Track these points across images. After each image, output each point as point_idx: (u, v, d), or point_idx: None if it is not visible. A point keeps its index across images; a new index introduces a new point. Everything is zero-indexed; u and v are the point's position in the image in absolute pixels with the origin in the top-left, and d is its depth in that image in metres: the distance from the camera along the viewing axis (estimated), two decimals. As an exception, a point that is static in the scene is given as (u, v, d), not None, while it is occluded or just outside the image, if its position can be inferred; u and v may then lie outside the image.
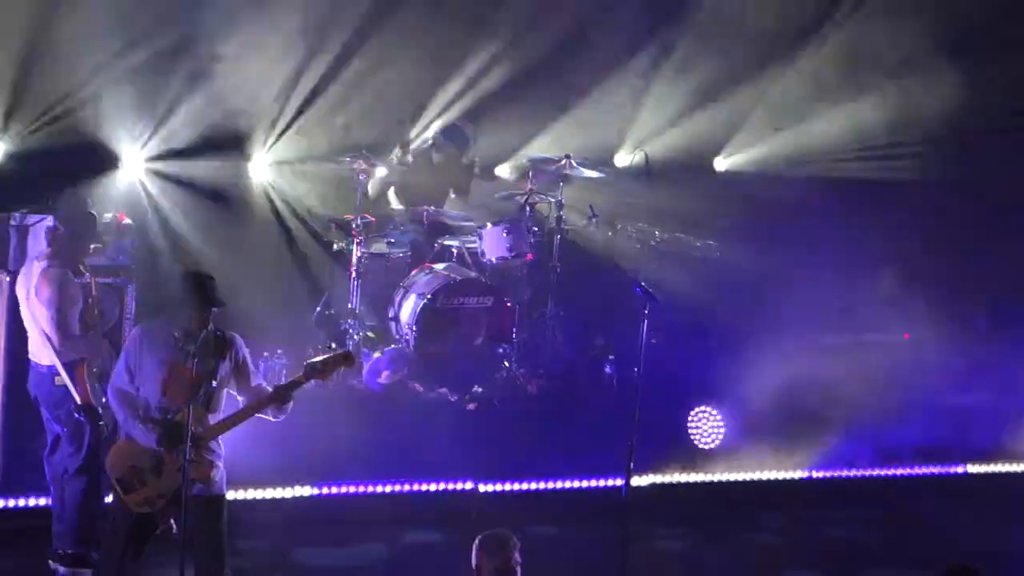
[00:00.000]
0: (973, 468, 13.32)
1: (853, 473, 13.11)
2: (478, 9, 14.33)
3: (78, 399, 10.18)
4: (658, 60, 14.89)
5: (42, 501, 11.41)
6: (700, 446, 12.89)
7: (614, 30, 14.87)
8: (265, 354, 11.73)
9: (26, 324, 10.58)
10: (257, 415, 9.37)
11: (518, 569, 8.27)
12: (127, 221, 12.11)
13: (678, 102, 15.07)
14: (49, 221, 11.45)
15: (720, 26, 14.91)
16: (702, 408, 13.02)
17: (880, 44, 15.33)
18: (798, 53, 15.10)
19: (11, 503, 11.43)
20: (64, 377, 10.25)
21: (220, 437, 9.41)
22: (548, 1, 14.65)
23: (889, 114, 15.39)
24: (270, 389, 9.36)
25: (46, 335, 10.30)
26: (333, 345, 11.94)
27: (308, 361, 9.57)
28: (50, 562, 10.49)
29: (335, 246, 13.64)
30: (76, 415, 10.33)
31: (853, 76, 15.37)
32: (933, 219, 14.61)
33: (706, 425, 12.95)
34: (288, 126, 14.23)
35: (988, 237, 14.28)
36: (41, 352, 10.39)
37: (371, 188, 13.71)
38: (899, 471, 13.25)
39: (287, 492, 11.59)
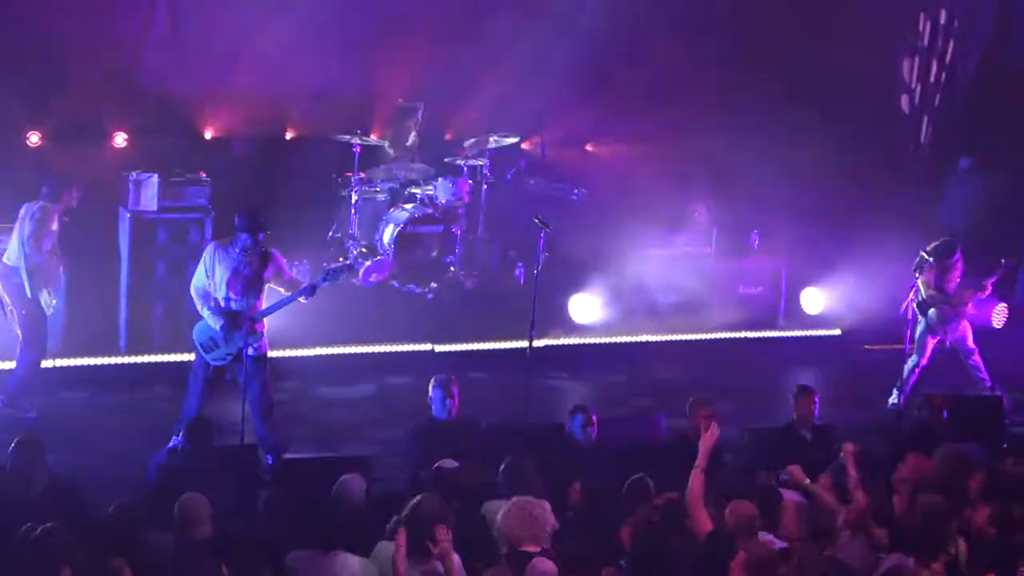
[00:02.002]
0: (750, 334, 13.50)
1: (674, 337, 13.20)
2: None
3: (29, 294, 10.13)
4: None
5: (153, 358, 11.61)
6: (577, 320, 13.03)
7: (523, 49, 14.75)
8: (295, 263, 11.70)
9: (13, 235, 10.39)
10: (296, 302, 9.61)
11: (456, 394, 8.62)
12: (205, 177, 12.22)
13: (563, 96, 14.94)
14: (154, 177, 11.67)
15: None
16: (578, 295, 13.11)
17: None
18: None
19: (135, 359, 11.60)
20: (24, 277, 10.17)
21: (266, 316, 9.66)
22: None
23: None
24: (304, 283, 9.61)
25: (23, 245, 10.22)
26: (341, 259, 11.96)
27: (326, 267, 9.86)
28: None
29: (341, 192, 13.63)
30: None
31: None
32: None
33: (580, 306, 13.06)
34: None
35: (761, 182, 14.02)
36: (12, 256, 10.27)
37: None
38: (706, 336, 13.35)
39: (309, 351, 11.79)
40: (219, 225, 11.58)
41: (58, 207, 10.44)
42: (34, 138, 12.97)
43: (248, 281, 9.51)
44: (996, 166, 14.43)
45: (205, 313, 9.63)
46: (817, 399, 9.31)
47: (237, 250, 9.50)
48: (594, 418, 8.69)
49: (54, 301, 10.33)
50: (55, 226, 10.39)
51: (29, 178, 12.26)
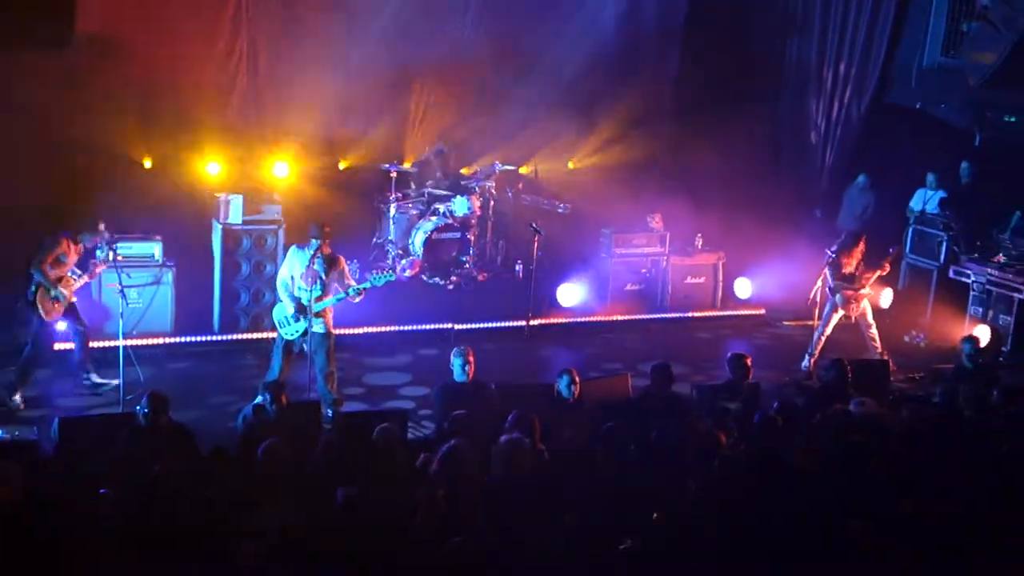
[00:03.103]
0: (696, 314, 13.33)
1: (638, 316, 13.07)
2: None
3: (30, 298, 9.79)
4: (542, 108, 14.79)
5: (239, 335, 11.49)
6: (563, 304, 12.90)
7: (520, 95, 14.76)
8: (349, 262, 11.62)
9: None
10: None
11: (472, 362, 8.60)
12: (278, 197, 12.22)
13: (551, 131, 14.98)
14: (239, 197, 11.60)
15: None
16: (564, 285, 12.95)
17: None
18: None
19: (226, 336, 11.52)
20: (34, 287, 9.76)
21: (325, 307, 9.63)
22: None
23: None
24: (354, 284, 9.61)
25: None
26: (388, 270, 11.87)
27: (374, 274, 9.85)
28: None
29: (382, 208, 13.62)
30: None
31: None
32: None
33: (565, 294, 12.94)
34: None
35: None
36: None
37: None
38: (662, 315, 13.19)
39: (360, 330, 11.66)
40: (289, 234, 11.51)
41: (75, 246, 10.01)
42: (147, 163, 13.03)
43: (315, 276, 9.52)
44: (881, 182, 14.43)
45: (284, 298, 9.69)
46: (750, 362, 9.29)
47: (310, 252, 9.55)
48: (577, 379, 8.68)
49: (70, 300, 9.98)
50: (67, 256, 9.94)
51: (142, 193, 12.43)
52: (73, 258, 10.08)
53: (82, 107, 12.08)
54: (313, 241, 9.54)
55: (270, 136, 13.62)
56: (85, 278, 10.17)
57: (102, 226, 10.26)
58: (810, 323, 11.81)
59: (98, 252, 10.32)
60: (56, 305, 9.90)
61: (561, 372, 8.75)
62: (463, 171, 14.60)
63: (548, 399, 8.66)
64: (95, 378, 10.23)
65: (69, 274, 10.01)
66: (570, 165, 15.42)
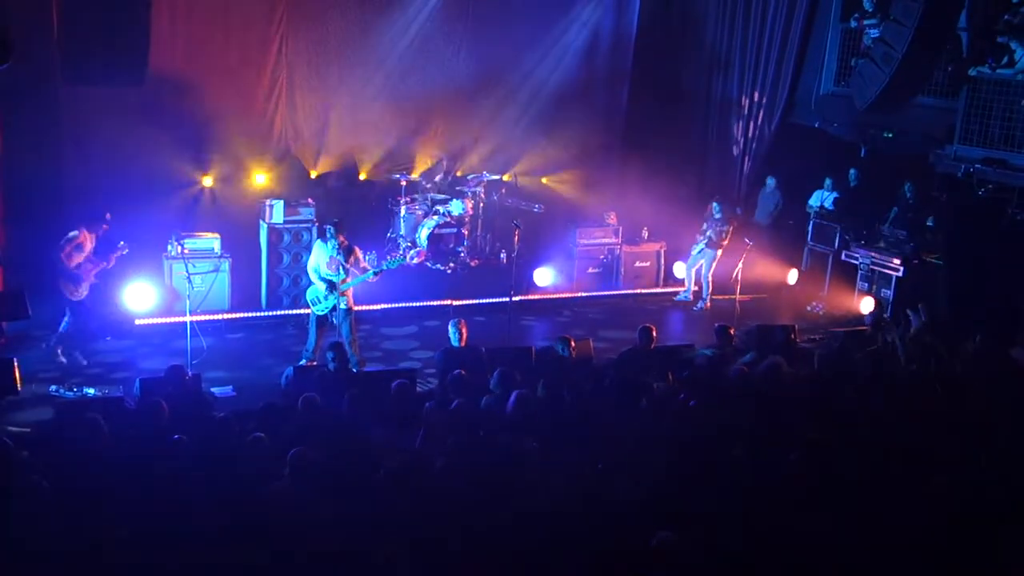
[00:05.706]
0: (643, 291, 13.19)
1: (597, 293, 12.92)
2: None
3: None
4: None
5: (281, 311, 11.29)
6: (539, 284, 12.77)
7: (501, 119, 14.52)
8: (367, 252, 11.32)
9: None
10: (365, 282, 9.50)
11: (464, 330, 8.53)
12: (311, 201, 12.12)
13: (527, 147, 14.81)
14: (280, 202, 11.47)
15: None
16: (539, 269, 12.77)
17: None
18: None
19: (271, 312, 11.38)
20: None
21: (349, 287, 9.56)
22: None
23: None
24: (371, 268, 9.53)
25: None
26: (399, 254, 11.69)
27: (389, 257, 9.79)
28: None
29: (394, 209, 13.46)
30: None
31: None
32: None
33: (541, 276, 12.83)
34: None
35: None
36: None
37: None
38: (617, 292, 13.04)
39: (377, 306, 11.53)
40: (321, 231, 11.37)
41: (90, 235, 9.57)
42: (207, 181, 12.86)
43: (337, 264, 9.46)
44: (787, 185, 14.40)
45: (316, 281, 9.61)
46: (732, 331, 9.24)
47: (332, 244, 9.45)
48: (573, 343, 8.54)
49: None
50: (84, 245, 9.47)
51: (205, 201, 12.30)
52: (89, 246, 9.61)
53: (153, 133, 11.94)
54: (330, 236, 9.45)
55: (305, 154, 13.49)
56: (103, 264, 9.70)
57: (108, 215, 9.79)
58: (732, 297, 11.74)
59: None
60: (78, 286, 9.47)
61: (561, 338, 8.65)
62: (457, 175, 14.42)
63: (527, 359, 8.60)
64: (61, 356, 9.62)
65: (87, 260, 9.54)
66: (543, 181, 15.20)
